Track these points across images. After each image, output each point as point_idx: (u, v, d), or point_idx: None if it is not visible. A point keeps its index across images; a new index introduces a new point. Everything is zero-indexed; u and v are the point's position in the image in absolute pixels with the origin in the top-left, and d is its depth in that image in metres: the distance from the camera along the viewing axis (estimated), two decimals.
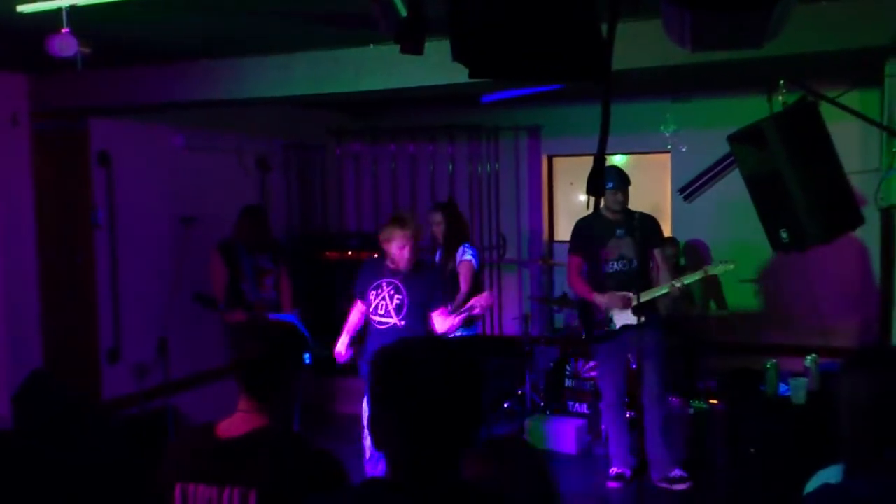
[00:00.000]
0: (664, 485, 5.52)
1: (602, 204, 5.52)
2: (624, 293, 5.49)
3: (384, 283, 4.90)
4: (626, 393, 5.79)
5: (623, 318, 5.53)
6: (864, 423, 1.88)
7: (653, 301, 5.58)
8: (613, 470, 5.71)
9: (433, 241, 6.28)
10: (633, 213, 5.62)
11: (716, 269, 5.65)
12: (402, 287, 4.84)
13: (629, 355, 5.85)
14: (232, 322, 6.17)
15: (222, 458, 2.30)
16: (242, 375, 2.44)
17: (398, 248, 4.81)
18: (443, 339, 1.71)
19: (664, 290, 5.53)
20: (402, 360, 1.76)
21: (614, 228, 5.58)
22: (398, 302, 4.83)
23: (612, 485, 5.66)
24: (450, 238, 6.14)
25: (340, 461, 2.34)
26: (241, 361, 2.45)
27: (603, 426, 6.02)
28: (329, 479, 2.26)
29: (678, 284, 5.51)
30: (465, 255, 6.08)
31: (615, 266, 5.58)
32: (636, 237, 5.41)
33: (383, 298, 4.88)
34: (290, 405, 2.50)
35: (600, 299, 5.56)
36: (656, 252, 5.69)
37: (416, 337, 2.00)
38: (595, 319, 5.67)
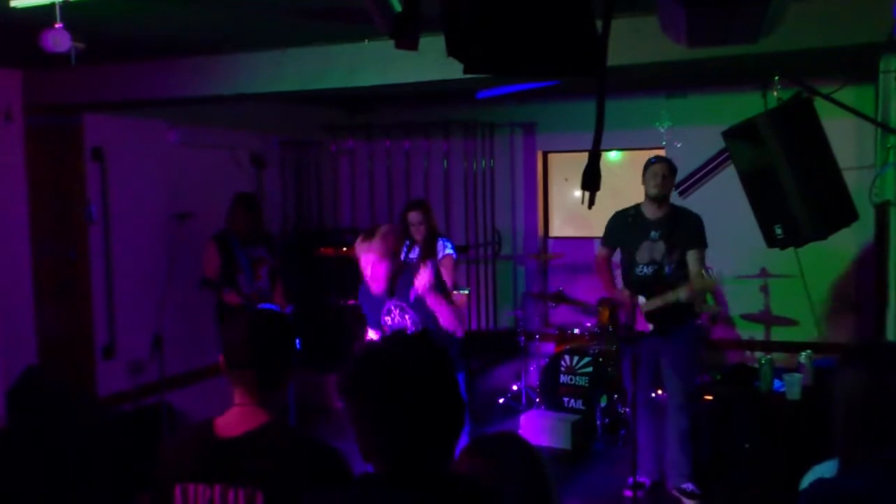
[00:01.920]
0: (675, 493, 5.39)
1: (644, 194, 5.34)
2: (628, 296, 5.33)
3: (392, 307, 4.56)
4: (654, 395, 5.61)
5: (642, 323, 5.35)
6: (859, 419, 1.89)
7: (679, 307, 5.26)
8: (631, 478, 5.41)
9: (410, 240, 6.16)
10: (677, 212, 5.42)
11: (700, 284, 5.25)
12: (407, 308, 4.50)
13: (659, 359, 5.48)
14: (229, 303, 6.16)
15: (224, 458, 2.26)
16: (235, 364, 2.36)
17: (367, 269, 4.39)
18: (409, 335, 1.69)
19: (669, 300, 5.20)
20: (373, 365, 1.76)
21: (649, 230, 5.33)
22: (411, 320, 4.54)
23: (628, 493, 5.44)
24: (429, 236, 6.15)
25: (343, 455, 2.32)
26: (231, 350, 2.37)
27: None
28: (334, 474, 2.25)
29: (682, 294, 5.17)
30: (447, 250, 6.17)
31: (645, 270, 5.35)
32: (671, 241, 5.23)
33: (396, 323, 4.59)
34: (284, 394, 2.46)
35: (616, 295, 5.42)
36: (689, 254, 5.32)
37: (384, 338, 2.00)
38: (620, 321, 5.50)
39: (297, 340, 2.50)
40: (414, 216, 6.15)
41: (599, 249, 5.69)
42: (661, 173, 5.27)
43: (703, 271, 5.22)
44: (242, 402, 2.37)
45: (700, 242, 5.35)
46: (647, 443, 5.51)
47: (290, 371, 2.44)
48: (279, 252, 6.74)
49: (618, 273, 5.66)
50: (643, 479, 5.50)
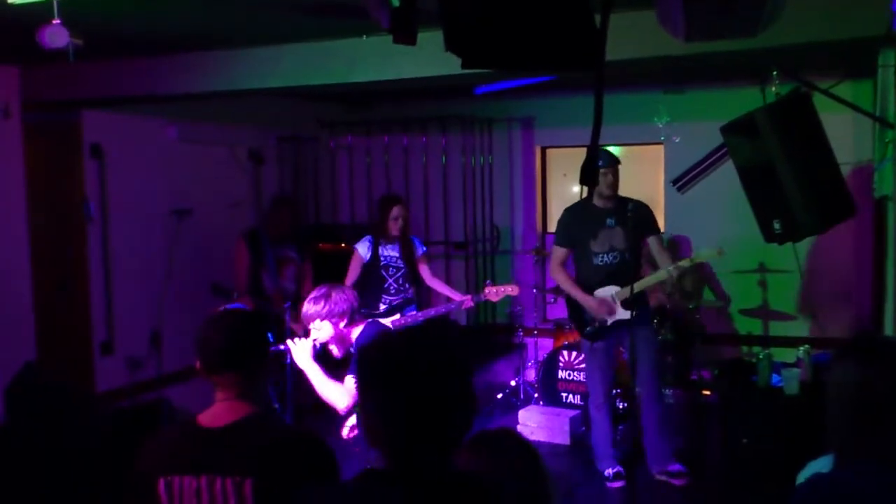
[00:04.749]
0: (663, 478, 5.40)
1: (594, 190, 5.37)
2: (608, 300, 5.36)
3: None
4: (614, 388, 5.67)
5: (615, 314, 5.38)
6: (852, 413, 1.89)
7: (643, 294, 5.39)
8: (609, 471, 5.55)
9: (386, 237, 6.10)
10: (625, 200, 5.43)
11: (702, 256, 5.46)
12: None
13: (621, 349, 5.67)
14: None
15: (209, 449, 2.26)
16: (213, 369, 2.40)
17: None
18: (427, 331, 1.68)
19: (660, 277, 5.31)
20: (389, 356, 1.76)
21: (604, 218, 5.36)
22: None
23: (614, 485, 5.49)
24: (406, 232, 6.15)
25: (330, 447, 2.33)
26: (208, 356, 2.42)
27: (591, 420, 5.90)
28: (322, 466, 2.26)
29: (674, 271, 5.24)
30: (423, 247, 6.24)
31: (605, 258, 5.38)
32: (628, 227, 5.25)
33: None
34: (264, 386, 2.50)
35: (589, 302, 5.40)
36: (651, 240, 5.45)
37: (401, 331, 2.00)
38: (585, 316, 5.50)
39: (270, 334, 2.53)
40: (397, 210, 6.07)
41: (556, 251, 5.61)
42: (612, 174, 5.35)
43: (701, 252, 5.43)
44: (224, 398, 2.39)
45: (657, 228, 5.56)
46: (606, 437, 5.59)
47: (266, 365, 2.49)
48: (309, 250, 6.66)
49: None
50: (617, 469, 5.55)
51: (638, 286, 5.23)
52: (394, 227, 6.04)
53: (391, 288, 6.04)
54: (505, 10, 2.10)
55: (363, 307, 5.92)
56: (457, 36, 2.19)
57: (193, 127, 7.06)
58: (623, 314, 5.34)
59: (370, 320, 4.11)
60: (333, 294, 3.85)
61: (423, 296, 7.03)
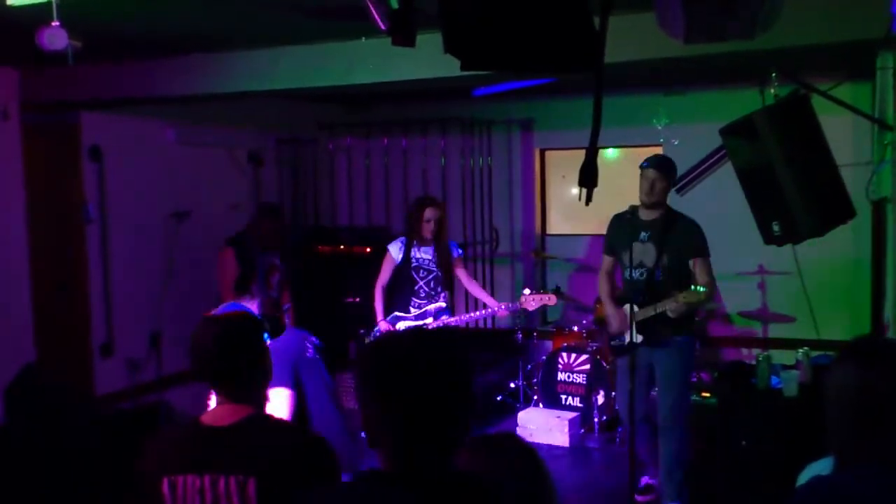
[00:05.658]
0: None
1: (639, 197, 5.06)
2: (624, 314, 5.06)
3: None
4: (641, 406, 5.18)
5: (629, 334, 5.01)
6: (853, 416, 1.89)
7: (678, 319, 4.90)
8: (644, 479, 5.38)
9: (420, 239, 5.94)
10: (673, 215, 5.08)
11: (690, 297, 4.74)
12: None
13: (652, 372, 5.17)
14: None
15: (213, 448, 2.27)
16: (207, 378, 2.40)
17: None
18: (427, 331, 1.69)
19: (660, 308, 4.87)
20: (389, 355, 1.75)
21: (640, 232, 5.01)
22: None
23: (641, 498, 5.31)
24: (442, 236, 5.99)
25: (331, 445, 2.33)
26: (200, 365, 2.40)
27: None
28: (324, 467, 2.26)
29: (661, 308, 4.85)
30: (458, 250, 6.09)
31: (633, 274, 5.03)
32: (662, 245, 4.93)
33: None
34: (263, 387, 2.47)
35: (609, 313, 5.19)
36: (693, 263, 4.96)
37: (402, 332, 1.99)
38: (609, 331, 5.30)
39: (266, 334, 2.51)
40: (429, 213, 5.87)
41: (603, 259, 5.43)
42: (652, 179, 4.97)
43: (698, 285, 4.78)
44: (223, 402, 2.39)
45: (702, 251, 5.00)
46: (650, 451, 5.30)
47: (263, 368, 2.46)
48: (290, 258, 6.62)
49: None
50: (653, 482, 5.39)
51: (638, 314, 4.96)
52: (426, 230, 5.88)
53: (421, 291, 5.92)
54: (504, 11, 2.10)
55: (394, 309, 5.92)
56: (456, 37, 2.19)
57: (192, 129, 7.07)
58: (635, 338, 4.95)
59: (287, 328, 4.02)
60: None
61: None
